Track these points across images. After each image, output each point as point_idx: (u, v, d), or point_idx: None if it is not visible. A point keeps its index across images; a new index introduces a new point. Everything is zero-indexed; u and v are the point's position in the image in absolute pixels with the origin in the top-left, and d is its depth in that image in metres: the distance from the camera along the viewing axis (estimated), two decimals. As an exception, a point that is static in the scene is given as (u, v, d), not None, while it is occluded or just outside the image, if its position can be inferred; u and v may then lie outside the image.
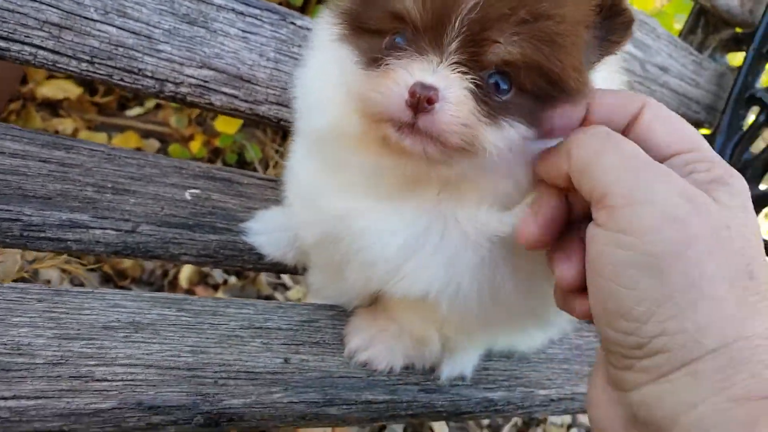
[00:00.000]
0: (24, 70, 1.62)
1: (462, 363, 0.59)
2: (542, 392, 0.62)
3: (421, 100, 0.37)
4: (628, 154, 0.36)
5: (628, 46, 1.08)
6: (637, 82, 1.07)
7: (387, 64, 0.39)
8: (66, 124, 1.54)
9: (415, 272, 0.45)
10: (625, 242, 0.34)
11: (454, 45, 0.37)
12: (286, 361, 0.54)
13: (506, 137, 0.39)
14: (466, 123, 0.38)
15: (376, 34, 0.41)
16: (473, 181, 0.42)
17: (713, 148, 0.36)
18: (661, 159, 0.36)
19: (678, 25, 1.41)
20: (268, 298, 1.53)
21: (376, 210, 0.45)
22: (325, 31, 0.45)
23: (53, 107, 1.63)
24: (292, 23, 0.75)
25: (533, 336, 0.62)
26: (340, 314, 0.60)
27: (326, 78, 0.45)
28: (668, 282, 0.32)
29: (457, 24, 0.37)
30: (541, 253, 0.42)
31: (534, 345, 0.65)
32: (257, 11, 0.73)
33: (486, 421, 1.35)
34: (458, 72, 0.37)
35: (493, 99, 0.38)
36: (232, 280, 1.50)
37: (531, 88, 0.39)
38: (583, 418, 1.54)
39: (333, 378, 0.54)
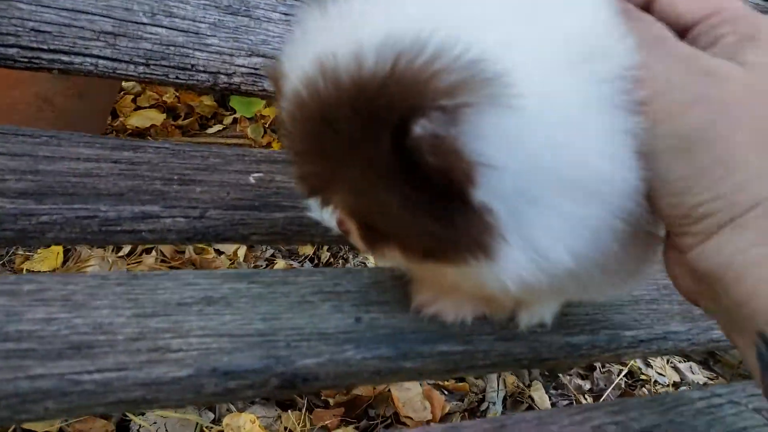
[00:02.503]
0: (113, 104, 1.73)
1: (540, 312, 0.56)
2: (629, 333, 0.58)
3: None
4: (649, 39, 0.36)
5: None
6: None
7: None
8: (152, 147, 1.64)
9: None
10: (657, 133, 0.36)
11: None
12: (357, 320, 0.53)
13: None
14: None
15: None
16: None
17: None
18: (687, 29, 0.38)
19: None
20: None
21: None
22: None
23: (142, 135, 1.74)
24: (333, -1, 0.76)
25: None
26: (407, 277, 0.59)
27: None
28: (698, 161, 0.35)
29: None
30: None
31: (620, 294, 0.61)
32: (296, -8, 0.74)
33: (588, 386, 1.28)
34: None
35: None
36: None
37: None
38: (691, 376, 1.43)
39: (405, 333, 0.53)
